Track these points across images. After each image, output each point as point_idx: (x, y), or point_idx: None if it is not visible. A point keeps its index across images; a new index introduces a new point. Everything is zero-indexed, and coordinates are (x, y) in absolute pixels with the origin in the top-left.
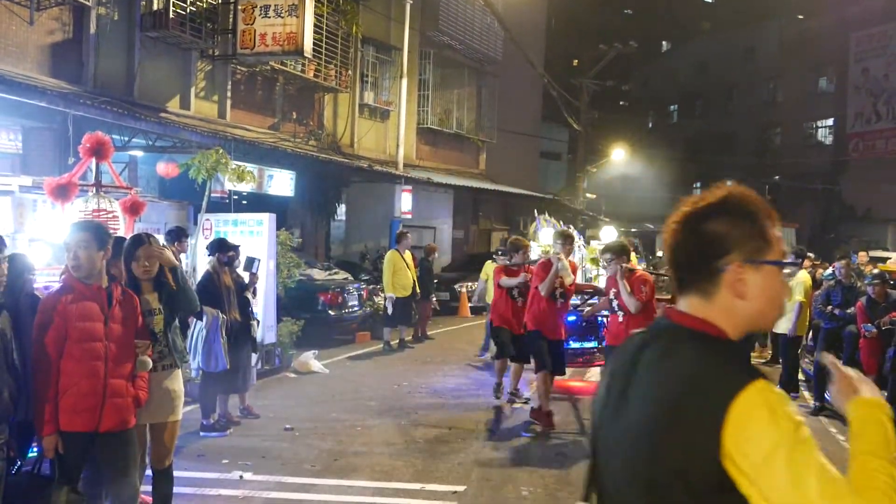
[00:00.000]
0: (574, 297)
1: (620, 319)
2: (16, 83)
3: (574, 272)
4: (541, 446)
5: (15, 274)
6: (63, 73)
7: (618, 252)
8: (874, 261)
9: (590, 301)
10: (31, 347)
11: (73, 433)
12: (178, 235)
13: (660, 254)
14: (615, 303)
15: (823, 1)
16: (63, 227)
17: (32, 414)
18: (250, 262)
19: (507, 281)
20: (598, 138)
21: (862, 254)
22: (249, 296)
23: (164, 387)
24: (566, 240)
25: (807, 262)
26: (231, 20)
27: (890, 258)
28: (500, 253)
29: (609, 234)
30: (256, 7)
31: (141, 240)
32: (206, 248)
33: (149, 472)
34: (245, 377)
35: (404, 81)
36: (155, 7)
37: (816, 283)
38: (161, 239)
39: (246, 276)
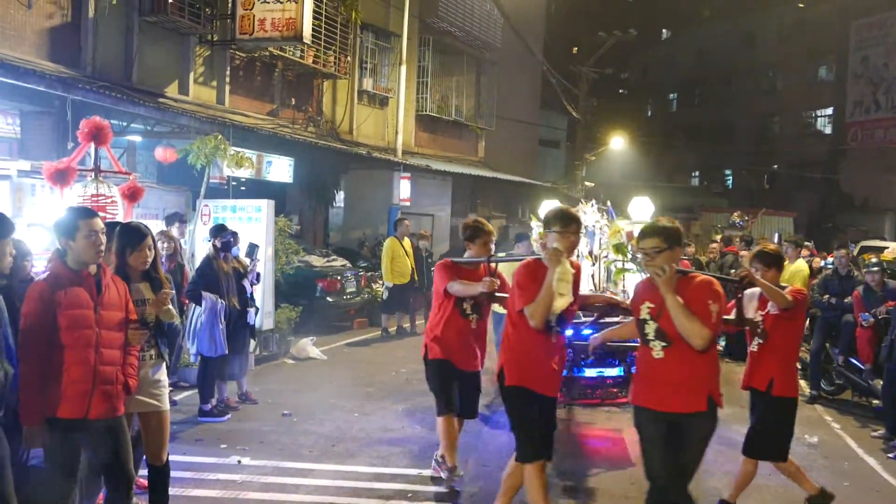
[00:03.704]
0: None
1: (755, 349)
2: (14, 67)
3: (577, 277)
4: None
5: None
6: (61, 58)
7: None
8: (872, 250)
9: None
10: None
11: (64, 420)
12: (174, 220)
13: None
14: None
15: None
16: (65, 212)
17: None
18: (252, 249)
19: (459, 287)
20: (597, 126)
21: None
22: (246, 284)
23: (151, 377)
24: (566, 223)
25: (804, 251)
26: (230, 5)
27: (888, 248)
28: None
29: (643, 207)
30: None
31: (143, 232)
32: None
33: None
34: (241, 364)
35: (403, 68)
36: None
37: (814, 272)
38: (161, 224)
39: (248, 263)
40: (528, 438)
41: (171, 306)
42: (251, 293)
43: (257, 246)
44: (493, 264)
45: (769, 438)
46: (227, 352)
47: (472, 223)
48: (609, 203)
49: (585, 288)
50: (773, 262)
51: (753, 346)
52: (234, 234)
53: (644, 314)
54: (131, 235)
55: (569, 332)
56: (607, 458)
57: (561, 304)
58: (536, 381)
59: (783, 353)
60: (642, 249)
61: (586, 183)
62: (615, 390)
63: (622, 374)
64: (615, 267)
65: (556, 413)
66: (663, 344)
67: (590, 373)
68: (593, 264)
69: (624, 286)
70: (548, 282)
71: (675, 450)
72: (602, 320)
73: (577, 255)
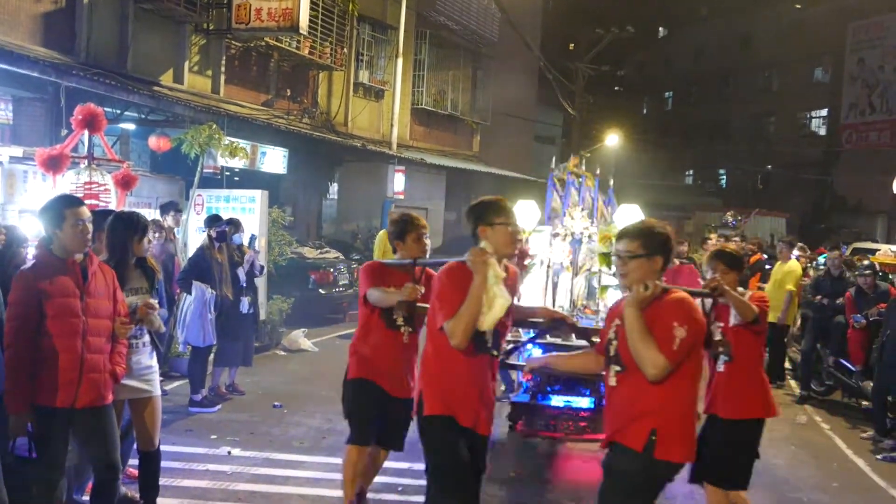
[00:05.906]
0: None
1: (721, 369)
2: (7, 52)
3: (513, 284)
4: None
5: (4, 245)
6: (55, 44)
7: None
8: (864, 252)
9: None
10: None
11: (52, 408)
12: (170, 210)
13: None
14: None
15: None
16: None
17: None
18: (251, 239)
19: (378, 295)
20: (593, 123)
21: None
22: (240, 272)
23: (143, 363)
24: (508, 214)
25: (798, 253)
26: None
27: (879, 250)
28: None
29: (631, 216)
30: None
31: (145, 220)
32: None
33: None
34: (238, 352)
35: (399, 61)
36: None
37: (807, 274)
38: (154, 213)
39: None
40: (453, 486)
41: (156, 316)
42: (243, 282)
43: (255, 236)
44: (428, 268)
45: (736, 464)
46: (214, 341)
47: (401, 217)
48: (612, 184)
49: (557, 303)
50: (735, 264)
51: (720, 367)
52: (237, 223)
53: (611, 333)
54: (137, 223)
55: (538, 353)
56: None
57: (492, 318)
58: (464, 413)
59: (751, 370)
60: (616, 252)
61: None
62: (584, 424)
63: (592, 405)
64: (597, 282)
65: (486, 454)
66: (617, 369)
67: (556, 402)
68: (574, 276)
69: (605, 305)
70: (473, 291)
71: None
72: (547, 339)
73: (559, 266)
